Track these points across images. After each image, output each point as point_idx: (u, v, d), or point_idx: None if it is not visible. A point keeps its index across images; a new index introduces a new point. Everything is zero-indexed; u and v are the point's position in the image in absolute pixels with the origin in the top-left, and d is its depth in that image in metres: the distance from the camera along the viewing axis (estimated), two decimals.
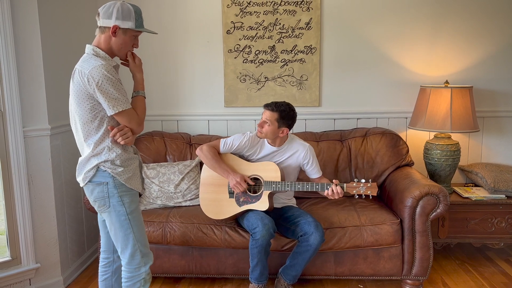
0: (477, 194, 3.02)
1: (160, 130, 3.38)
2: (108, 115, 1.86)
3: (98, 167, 1.90)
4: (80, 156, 1.97)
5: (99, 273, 2.19)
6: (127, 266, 1.99)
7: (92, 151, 1.89)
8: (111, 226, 1.97)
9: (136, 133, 1.97)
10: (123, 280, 2.01)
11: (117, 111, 1.84)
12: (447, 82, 3.12)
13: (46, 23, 2.61)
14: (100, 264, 2.19)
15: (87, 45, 1.91)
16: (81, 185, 1.97)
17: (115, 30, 1.85)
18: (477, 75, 3.29)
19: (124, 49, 1.92)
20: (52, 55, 2.66)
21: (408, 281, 2.69)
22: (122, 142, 1.90)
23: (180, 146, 3.19)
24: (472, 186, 3.21)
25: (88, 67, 1.80)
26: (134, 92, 2.00)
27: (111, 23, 1.84)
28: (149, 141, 3.18)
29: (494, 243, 3.03)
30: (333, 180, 2.46)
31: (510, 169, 3.20)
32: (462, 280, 2.84)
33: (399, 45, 3.30)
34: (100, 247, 2.26)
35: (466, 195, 3.01)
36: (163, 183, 2.92)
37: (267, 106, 2.56)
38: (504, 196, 2.96)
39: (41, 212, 2.66)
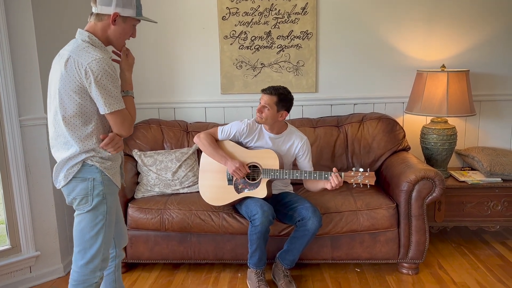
0: (473, 177, 3.04)
1: (157, 118, 3.37)
2: (101, 113, 1.73)
3: (85, 161, 1.77)
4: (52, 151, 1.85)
5: None
6: (81, 269, 1.84)
7: (79, 145, 1.75)
8: (81, 223, 1.82)
9: (125, 136, 1.84)
10: (71, 282, 1.86)
11: (112, 110, 1.71)
12: (443, 66, 3.11)
13: (39, 11, 2.59)
14: None
15: (81, 31, 1.77)
16: (61, 184, 1.81)
17: (115, 18, 1.74)
18: (473, 59, 3.28)
19: (122, 38, 1.81)
20: (46, 43, 2.64)
21: (405, 264, 2.73)
22: (113, 152, 1.81)
23: (177, 134, 3.20)
24: (469, 170, 3.22)
25: (86, 59, 1.67)
26: (123, 91, 1.85)
27: (111, 10, 1.72)
28: (146, 129, 3.18)
29: (490, 226, 3.06)
30: (333, 169, 2.43)
31: (506, 153, 3.21)
32: (458, 263, 2.87)
33: (396, 29, 3.28)
34: None
35: (462, 178, 3.02)
36: (161, 171, 2.94)
37: (265, 91, 2.55)
38: (500, 179, 2.98)
39: (40, 200, 2.68)
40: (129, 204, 2.74)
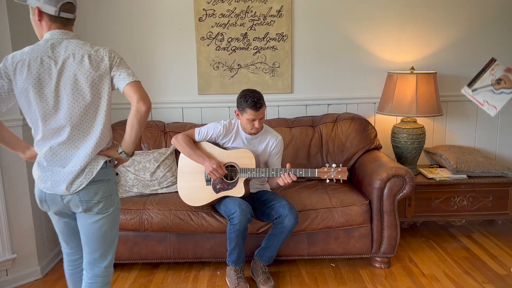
0: (441, 174, 3.19)
1: None
2: (125, 84, 1.71)
3: (106, 163, 1.79)
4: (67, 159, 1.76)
5: (70, 272, 2.02)
6: (106, 271, 1.87)
7: (104, 146, 1.78)
8: (102, 227, 1.81)
9: (149, 106, 1.74)
10: (99, 286, 1.88)
11: (137, 79, 1.74)
12: (412, 68, 3.25)
13: (14, 14, 2.56)
14: (70, 265, 2.01)
15: (65, 31, 1.74)
16: (76, 189, 1.73)
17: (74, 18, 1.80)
18: (441, 61, 3.44)
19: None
20: (22, 45, 2.61)
21: (377, 258, 2.84)
22: None
23: (155, 134, 3.21)
24: (437, 167, 3.38)
25: (104, 50, 1.73)
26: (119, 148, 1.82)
27: (74, 14, 1.79)
28: (123, 130, 3.14)
29: (456, 220, 3.22)
30: (287, 164, 2.54)
31: (471, 151, 3.39)
32: (427, 256, 3.01)
33: (368, 33, 3.39)
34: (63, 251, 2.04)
35: (430, 176, 3.17)
36: (139, 171, 2.95)
37: (256, 107, 2.51)
38: (465, 176, 3.14)
39: (16, 202, 2.65)
40: None
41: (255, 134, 2.66)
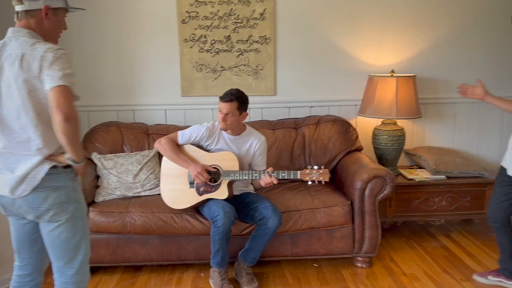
0: (420, 175, 3.26)
1: (116, 120, 3.35)
2: (48, 89, 1.58)
3: (55, 167, 1.70)
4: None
5: None
6: (75, 276, 1.82)
7: (52, 151, 1.69)
8: (60, 236, 1.75)
9: (67, 116, 1.58)
10: None
11: (62, 84, 1.58)
12: (393, 71, 3.32)
13: None
14: (16, 281, 1.91)
15: (17, 29, 1.68)
16: (21, 194, 1.67)
17: (47, 11, 1.69)
18: (420, 64, 3.51)
19: (57, 31, 1.78)
20: None
21: (359, 258, 2.89)
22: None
23: (138, 136, 3.20)
24: (416, 168, 3.45)
25: (42, 49, 1.61)
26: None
27: (40, 4, 1.67)
28: (105, 132, 3.16)
29: (435, 220, 3.29)
30: (269, 168, 2.57)
31: (449, 152, 3.47)
32: (408, 255, 3.07)
33: (349, 36, 3.45)
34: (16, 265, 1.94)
35: (410, 176, 3.24)
36: (121, 174, 2.93)
37: (224, 99, 2.60)
38: (444, 176, 3.22)
39: None
40: (90, 208, 2.72)
41: (223, 129, 2.67)
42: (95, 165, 2.99)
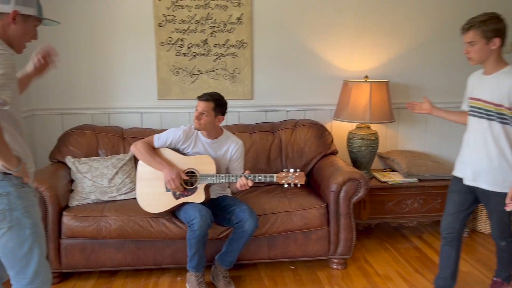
0: (393, 178, 3.34)
1: (90, 124, 3.31)
2: None
3: None
4: None
5: None
6: (29, 286, 1.74)
7: None
8: (6, 244, 1.67)
9: None
10: None
11: None
12: (366, 77, 3.40)
13: None
14: None
15: None
16: None
17: (15, 16, 1.63)
18: (393, 70, 3.61)
19: (23, 39, 1.71)
20: None
21: (334, 260, 2.94)
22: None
23: (113, 140, 3.16)
24: (390, 171, 3.53)
25: None
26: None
27: (9, 8, 1.62)
28: (80, 135, 3.11)
29: (408, 221, 3.38)
30: (246, 172, 2.58)
31: (421, 155, 3.57)
32: (382, 256, 3.14)
33: (324, 42, 3.51)
34: None
35: (384, 179, 3.31)
36: (96, 178, 2.89)
37: (201, 98, 2.63)
38: (416, 179, 3.31)
39: None
40: (64, 213, 2.67)
41: (196, 128, 2.67)
42: (69, 169, 2.95)
